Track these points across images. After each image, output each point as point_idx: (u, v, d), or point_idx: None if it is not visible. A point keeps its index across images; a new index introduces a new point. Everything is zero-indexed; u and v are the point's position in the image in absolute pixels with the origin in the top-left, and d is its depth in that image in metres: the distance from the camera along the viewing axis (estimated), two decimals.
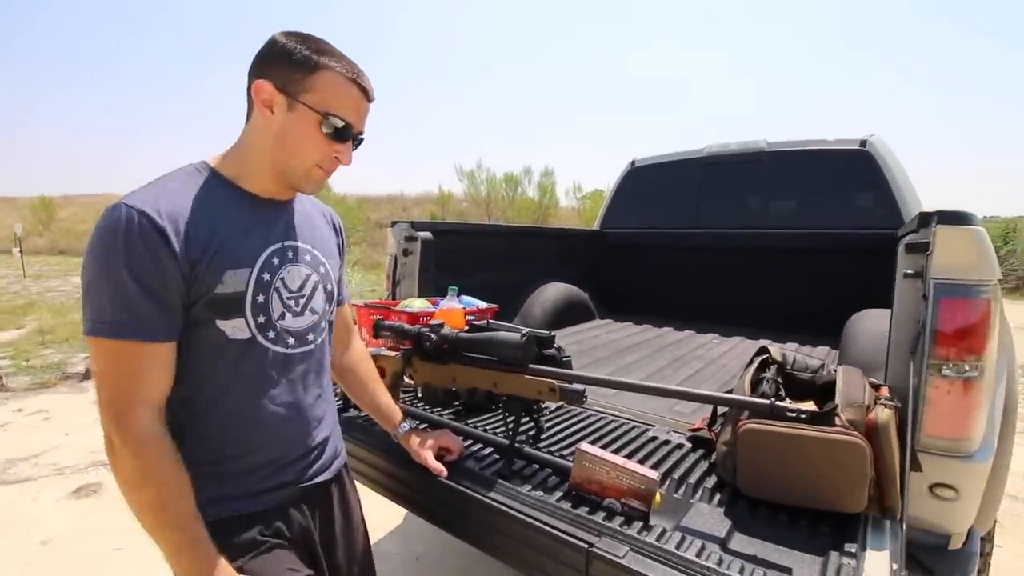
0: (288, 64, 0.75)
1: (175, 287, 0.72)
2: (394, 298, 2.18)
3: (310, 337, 0.89)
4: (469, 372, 1.22)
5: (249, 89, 0.78)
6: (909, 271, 1.10)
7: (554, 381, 1.12)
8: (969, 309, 1.01)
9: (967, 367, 1.01)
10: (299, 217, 0.91)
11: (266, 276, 0.81)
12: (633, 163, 3.54)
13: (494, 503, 0.99)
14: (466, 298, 2.03)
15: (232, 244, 0.77)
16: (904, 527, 0.96)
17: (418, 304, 1.93)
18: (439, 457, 1.15)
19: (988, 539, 1.60)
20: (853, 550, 0.85)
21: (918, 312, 1.07)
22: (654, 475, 0.94)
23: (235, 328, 0.78)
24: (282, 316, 0.83)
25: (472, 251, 2.55)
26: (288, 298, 0.84)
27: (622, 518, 0.93)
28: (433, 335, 1.25)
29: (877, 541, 0.90)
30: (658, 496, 0.95)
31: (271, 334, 0.82)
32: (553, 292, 2.91)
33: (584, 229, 4.04)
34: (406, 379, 1.38)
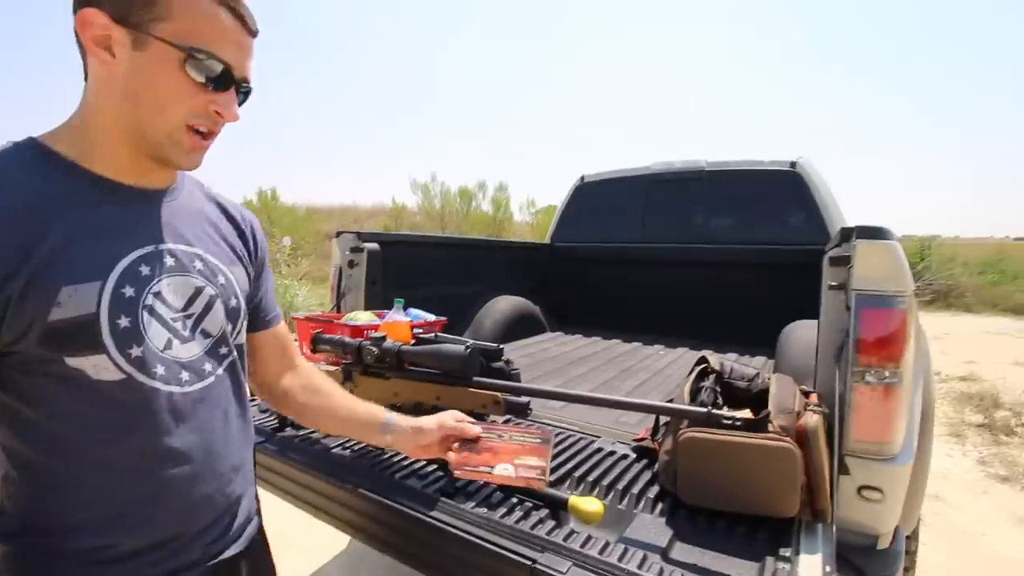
0: None
1: None
2: (339, 311, 2.11)
3: (207, 368, 0.67)
4: (412, 386, 1.19)
5: (76, 28, 0.57)
6: (833, 283, 1.16)
7: (499, 394, 1.11)
8: (888, 319, 1.07)
9: (887, 374, 1.07)
10: (184, 213, 0.69)
11: (128, 291, 0.59)
12: (582, 178, 3.62)
13: (435, 522, 0.96)
14: (413, 311, 1.99)
15: (72, 251, 0.55)
16: (835, 530, 1.00)
17: (364, 317, 1.87)
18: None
19: (913, 537, 1.70)
20: (788, 554, 0.88)
21: (842, 322, 1.13)
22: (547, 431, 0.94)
23: (96, 367, 0.57)
24: (168, 344, 0.62)
25: (421, 263, 2.51)
26: (173, 319, 0.63)
27: (568, 529, 0.92)
28: (375, 348, 1.21)
29: (810, 544, 0.93)
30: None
31: (158, 370, 0.61)
32: (504, 305, 2.91)
33: (534, 242, 4.08)
34: None
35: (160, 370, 0.61)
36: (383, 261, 2.14)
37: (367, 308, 2.05)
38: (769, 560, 0.86)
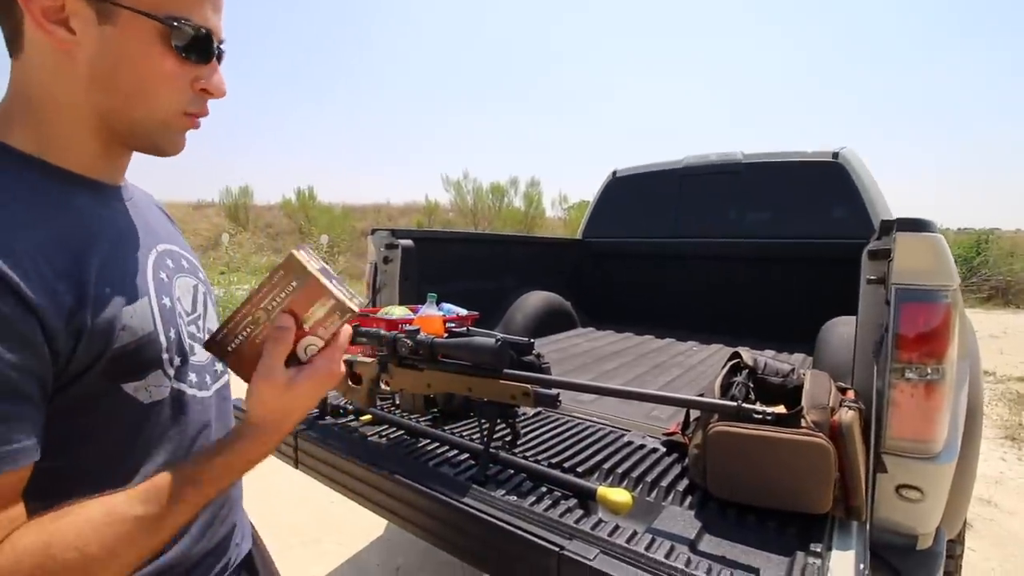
0: None
1: (43, 372, 0.43)
2: (374, 306, 2.17)
3: (218, 368, 0.65)
4: (444, 377, 1.23)
5: (2, 8, 0.46)
6: (872, 277, 1.13)
7: (528, 385, 1.13)
8: (930, 313, 1.04)
9: (929, 371, 1.04)
10: (146, 209, 0.63)
11: (165, 301, 0.56)
12: (615, 173, 3.59)
13: (467, 508, 0.99)
14: (446, 305, 2.04)
15: (110, 265, 0.50)
16: (870, 528, 0.98)
17: (398, 312, 1.93)
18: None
19: (958, 541, 1.63)
20: (819, 550, 0.87)
21: (881, 317, 1.10)
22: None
23: (150, 387, 0.53)
24: (191, 349, 0.60)
25: (454, 259, 2.56)
26: (189, 323, 0.60)
27: (595, 518, 0.94)
28: (409, 340, 1.25)
29: (843, 542, 0.91)
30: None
31: (192, 378, 0.59)
32: (535, 300, 2.93)
33: (566, 238, 4.08)
34: (382, 385, 1.37)
35: (193, 377, 0.60)
36: (417, 257, 2.19)
37: (401, 303, 2.11)
38: (800, 555, 0.85)
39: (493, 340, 1.17)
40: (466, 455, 1.24)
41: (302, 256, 0.54)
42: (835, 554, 0.87)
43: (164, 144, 0.55)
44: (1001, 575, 2.11)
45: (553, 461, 1.21)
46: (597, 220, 3.63)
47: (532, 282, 3.04)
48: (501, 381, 1.14)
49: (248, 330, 0.56)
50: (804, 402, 0.99)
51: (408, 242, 2.18)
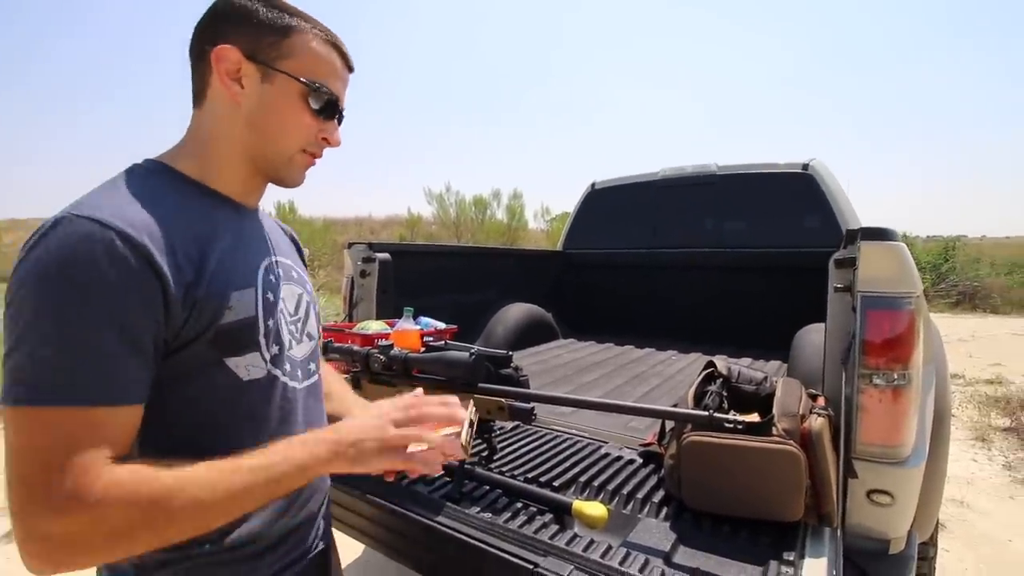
0: (255, 25, 0.61)
1: (158, 329, 0.54)
2: (351, 320, 2.15)
3: (312, 367, 0.75)
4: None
5: (197, 61, 0.63)
6: (839, 285, 1.16)
7: (503, 400, 1.12)
8: (895, 320, 1.06)
9: (895, 376, 1.06)
10: (270, 230, 0.76)
11: (269, 296, 0.66)
12: (593, 185, 3.63)
13: (440, 527, 0.98)
14: (424, 319, 2.02)
15: (229, 261, 0.62)
16: (842, 534, 0.99)
17: (375, 326, 1.90)
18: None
19: (931, 543, 1.65)
20: (791, 558, 0.87)
21: (849, 324, 1.12)
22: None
23: (249, 367, 0.62)
24: (289, 344, 0.69)
25: (433, 272, 2.54)
26: (290, 322, 0.70)
27: (571, 533, 0.93)
28: (382, 356, 1.23)
29: (815, 549, 0.92)
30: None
31: (287, 367, 0.68)
32: (516, 312, 2.92)
33: (547, 250, 4.09)
34: None
35: (287, 367, 0.68)
36: (395, 271, 2.17)
37: (379, 317, 2.08)
38: (773, 564, 0.86)
39: (467, 354, 1.16)
40: (440, 472, 1.22)
41: (472, 410, 0.70)
42: (807, 562, 0.88)
43: (287, 176, 0.69)
44: (975, 575, 2.14)
45: (530, 475, 1.20)
46: (577, 232, 3.65)
47: (513, 294, 3.04)
48: (476, 395, 1.13)
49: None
50: (775, 410, 1.00)
51: (385, 255, 2.16)
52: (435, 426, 0.66)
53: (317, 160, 0.71)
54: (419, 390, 0.74)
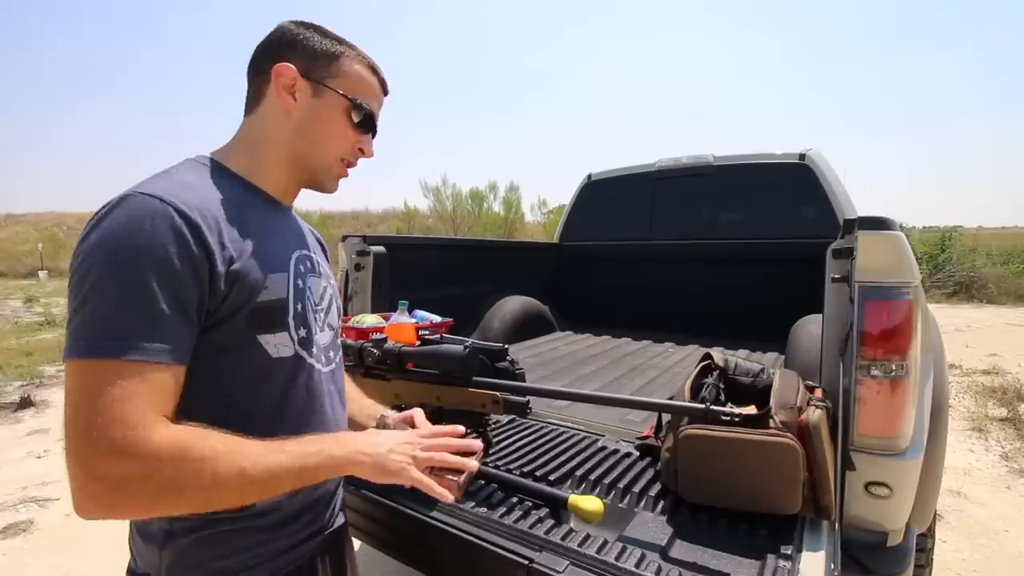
0: (311, 49, 0.72)
1: (202, 301, 0.60)
2: (346, 314, 2.13)
3: (332, 354, 0.81)
4: (413, 387, 1.20)
5: (255, 76, 0.73)
6: (836, 276, 1.14)
7: (498, 393, 1.11)
8: (892, 310, 1.05)
9: (893, 367, 1.05)
10: (300, 228, 0.84)
11: (299, 283, 0.73)
12: (589, 177, 3.60)
13: (434, 522, 0.97)
14: (420, 312, 2.00)
15: (266, 246, 0.68)
16: (840, 527, 0.98)
17: (370, 320, 1.88)
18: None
19: (929, 535, 1.65)
20: (789, 552, 0.86)
21: (847, 315, 1.11)
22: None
23: (279, 345, 0.68)
24: (314, 330, 0.75)
25: (429, 265, 2.52)
26: (315, 310, 0.76)
27: (567, 528, 0.92)
28: (376, 350, 1.22)
29: (813, 542, 0.91)
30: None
31: (314, 350, 0.74)
32: (512, 305, 2.91)
33: (543, 242, 4.07)
34: None
35: (314, 350, 0.74)
36: (390, 264, 2.15)
37: (374, 311, 2.06)
38: (770, 558, 0.85)
39: (461, 347, 1.14)
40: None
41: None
42: (805, 555, 0.87)
43: (325, 181, 0.78)
44: (972, 565, 2.15)
45: (525, 469, 1.19)
46: (573, 224, 3.63)
47: (509, 287, 3.02)
48: (470, 389, 1.12)
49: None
50: (772, 402, 0.99)
51: (380, 249, 2.14)
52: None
53: (350, 171, 0.80)
54: (454, 427, 0.80)
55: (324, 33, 0.74)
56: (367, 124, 0.77)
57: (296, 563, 0.71)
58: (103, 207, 0.58)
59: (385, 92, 0.80)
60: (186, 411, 0.60)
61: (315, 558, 0.75)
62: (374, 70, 0.77)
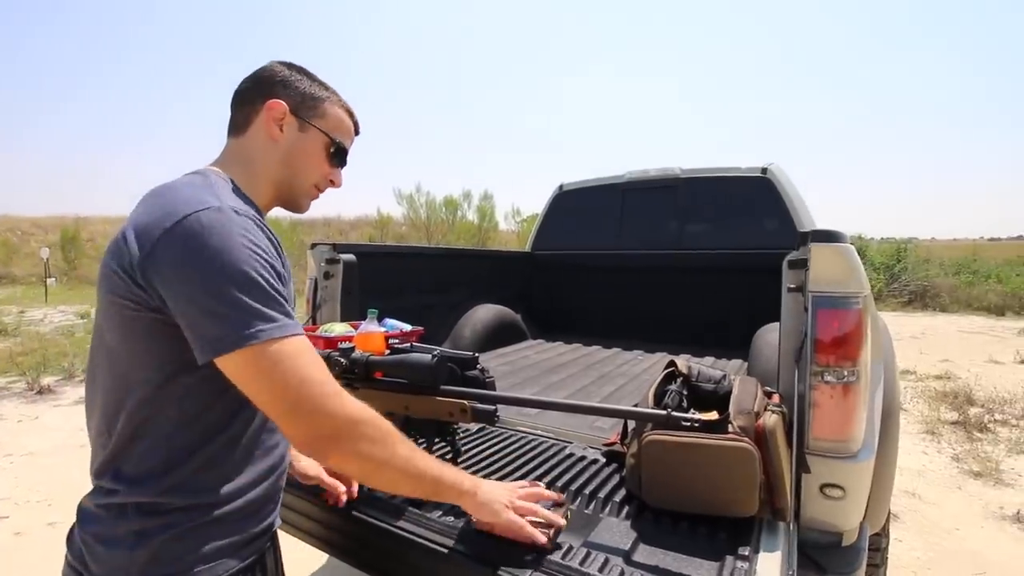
0: (300, 91, 0.83)
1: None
2: (314, 322, 2.10)
3: None
4: (381, 396, 1.19)
5: (243, 105, 0.82)
6: (792, 286, 1.19)
7: (466, 402, 1.11)
8: (843, 319, 1.10)
9: (845, 372, 1.09)
10: None
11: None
12: (561, 187, 3.65)
13: (400, 532, 0.96)
14: (389, 321, 1.99)
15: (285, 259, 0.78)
16: (796, 528, 1.01)
17: (339, 328, 1.86)
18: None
19: (883, 534, 1.72)
20: (747, 553, 0.89)
21: (801, 323, 1.15)
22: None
23: None
24: None
25: (399, 274, 2.51)
26: None
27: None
28: (343, 359, 1.21)
29: (770, 543, 0.94)
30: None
31: None
32: (484, 314, 2.91)
33: (514, 251, 4.10)
34: None
35: None
36: (360, 272, 2.14)
37: (343, 319, 2.04)
38: (728, 559, 0.87)
39: (429, 356, 1.14)
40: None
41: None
42: (762, 556, 0.90)
43: (301, 203, 0.89)
44: (926, 563, 2.24)
45: (494, 477, 1.19)
46: (545, 233, 3.67)
47: (481, 295, 3.03)
48: (438, 398, 1.12)
49: None
50: (731, 408, 1.02)
51: (350, 257, 2.12)
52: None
53: (321, 194, 0.91)
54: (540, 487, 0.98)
55: (311, 78, 0.85)
56: (340, 158, 0.89)
57: (260, 550, 0.76)
58: (168, 223, 0.64)
59: (357, 132, 0.92)
60: (179, 418, 0.69)
61: (266, 551, 0.79)
62: (351, 114, 0.90)
